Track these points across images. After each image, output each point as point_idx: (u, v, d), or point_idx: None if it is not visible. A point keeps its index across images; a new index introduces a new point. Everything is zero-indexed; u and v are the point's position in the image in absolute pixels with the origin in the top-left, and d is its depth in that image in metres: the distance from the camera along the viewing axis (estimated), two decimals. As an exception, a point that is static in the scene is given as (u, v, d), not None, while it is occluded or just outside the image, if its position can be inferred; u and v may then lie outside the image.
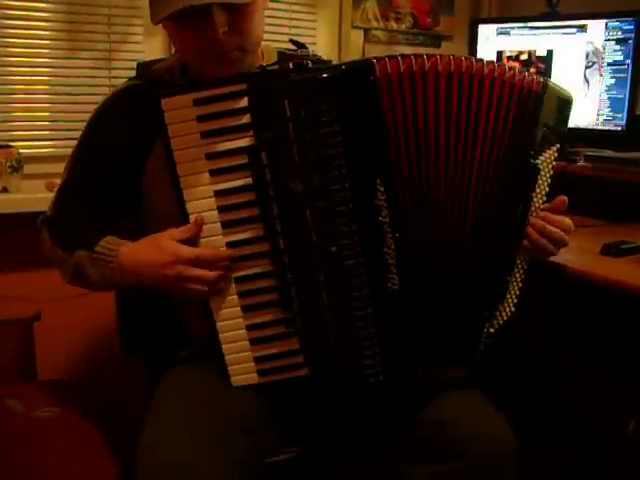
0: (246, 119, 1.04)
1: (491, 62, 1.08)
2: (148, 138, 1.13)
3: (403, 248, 1.06)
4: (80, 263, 1.12)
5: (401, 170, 1.05)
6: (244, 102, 1.03)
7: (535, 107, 1.10)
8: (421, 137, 1.06)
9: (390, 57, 1.03)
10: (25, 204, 1.68)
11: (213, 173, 1.05)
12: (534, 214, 1.13)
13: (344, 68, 1.06)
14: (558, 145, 1.14)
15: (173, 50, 1.44)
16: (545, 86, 1.11)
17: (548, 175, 1.14)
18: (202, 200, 1.06)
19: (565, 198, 1.14)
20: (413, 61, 1.04)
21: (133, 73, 1.37)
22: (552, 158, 1.14)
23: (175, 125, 1.04)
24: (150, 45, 1.99)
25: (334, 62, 1.30)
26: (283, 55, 1.27)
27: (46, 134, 1.88)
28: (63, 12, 1.86)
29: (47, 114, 1.87)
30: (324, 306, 1.08)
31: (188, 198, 1.06)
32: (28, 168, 1.77)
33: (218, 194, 1.06)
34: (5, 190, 1.73)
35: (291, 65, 1.05)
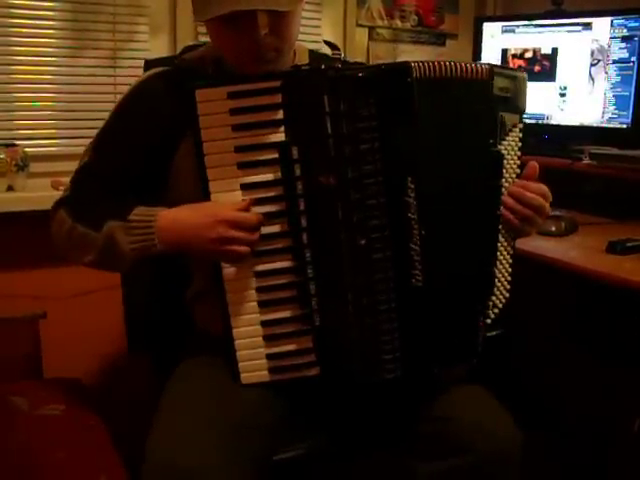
0: (279, 115, 1.05)
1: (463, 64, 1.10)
2: (177, 127, 1.12)
3: (428, 245, 1.08)
4: (112, 235, 1.08)
5: (429, 169, 1.07)
6: (278, 98, 1.05)
7: (485, 95, 1.10)
8: (442, 138, 1.08)
9: (421, 62, 1.06)
10: (31, 202, 1.68)
11: (241, 166, 1.06)
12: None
13: (383, 68, 1.09)
14: (520, 125, 1.16)
15: (179, 49, 1.44)
16: (491, 71, 1.10)
17: (516, 158, 1.16)
18: (228, 192, 1.06)
19: (534, 163, 1.16)
20: (436, 66, 1.06)
21: (138, 71, 1.36)
22: (516, 140, 1.16)
23: (207, 117, 1.04)
24: (155, 44, 1.97)
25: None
26: (314, 54, 1.29)
27: (51, 133, 1.88)
28: (68, 11, 1.86)
29: (52, 112, 1.87)
30: (348, 300, 1.09)
31: (214, 190, 1.06)
32: (33, 166, 1.78)
33: (244, 187, 1.07)
34: (11, 189, 1.73)
35: (323, 66, 1.08)
